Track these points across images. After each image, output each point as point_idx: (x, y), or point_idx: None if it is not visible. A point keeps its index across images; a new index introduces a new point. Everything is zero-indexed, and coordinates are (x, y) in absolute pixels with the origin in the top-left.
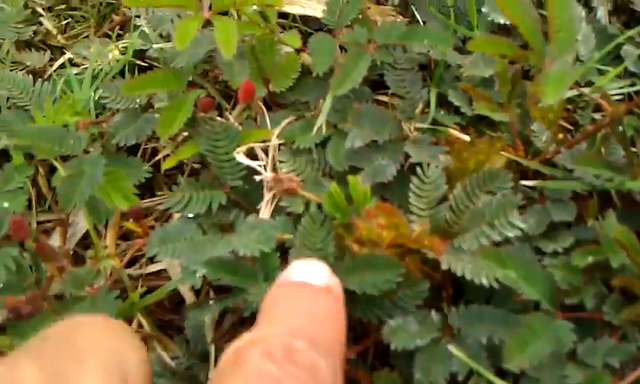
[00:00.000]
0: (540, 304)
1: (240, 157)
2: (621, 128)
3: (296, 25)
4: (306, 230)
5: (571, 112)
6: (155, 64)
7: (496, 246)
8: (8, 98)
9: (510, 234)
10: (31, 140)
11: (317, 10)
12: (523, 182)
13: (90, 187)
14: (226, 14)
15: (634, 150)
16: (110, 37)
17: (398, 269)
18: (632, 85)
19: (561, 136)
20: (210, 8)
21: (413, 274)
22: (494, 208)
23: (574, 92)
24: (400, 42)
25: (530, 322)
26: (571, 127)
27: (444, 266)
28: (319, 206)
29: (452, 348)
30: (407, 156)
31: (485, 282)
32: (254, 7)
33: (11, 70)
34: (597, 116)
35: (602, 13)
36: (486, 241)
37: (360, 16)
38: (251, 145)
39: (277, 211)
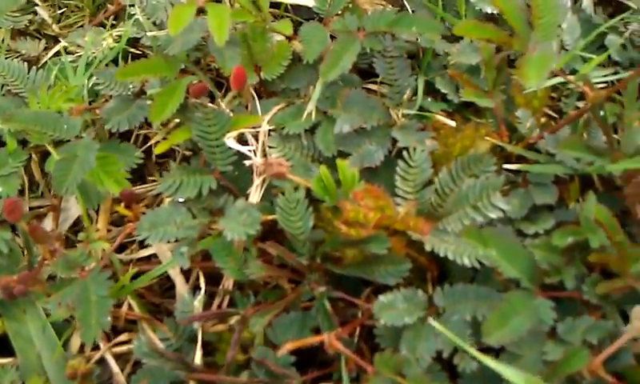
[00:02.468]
0: (520, 282)
1: (230, 142)
2: (602, 113)
3: (287, 14)
4: (283, 210)
5: (555, 100)
6: (148, 52)
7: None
8: (2, 85)
9: (493, 215)
10: (25, 124)
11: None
12: (506, 166)
13: (83, 171)
14: (219, 1)
15: (614, 136)
16: (104, 26)
17: (385, 242)
18: (615, 73)
19: (544, 121)
20: None
21: (396, 252)
22: (478, 190)
23: (559, 79)
24: (389, 29)
25: (510, 298)
26: (556, 115)
27: (428, 248)
28: (308, 191)
29: (436, 324)
30: (394, 142)
31: (467, 261)
32: None
33: (6, 58)
34: (581, 104)
35: (587, 3)
36: (470, 223)
37: (350, 5)
38: (242, 131)
39: (266, 197)
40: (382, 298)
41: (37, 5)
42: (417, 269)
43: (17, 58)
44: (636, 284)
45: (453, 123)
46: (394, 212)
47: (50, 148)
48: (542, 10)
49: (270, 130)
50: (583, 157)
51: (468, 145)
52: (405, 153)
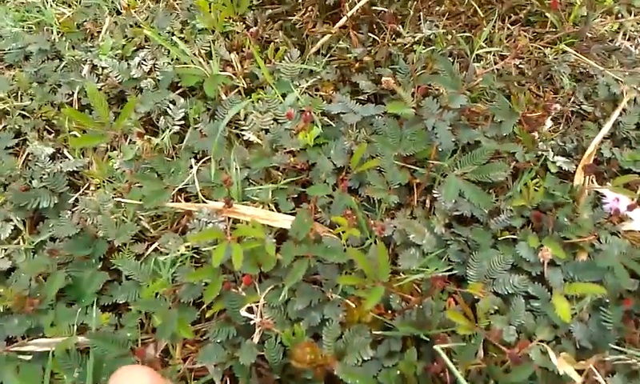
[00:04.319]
0: None
1: (243, 312)
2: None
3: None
4: (266, 348)
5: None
6: (205, 256)
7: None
8: (127, 276)
9: (367, 357)
10: (142, 307)
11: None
12: (375, 332)
13: (172, 327)
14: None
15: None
16: (183, 231)
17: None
18: (451, 269)
19: (414, 299)
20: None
21: (317, 376)
22: (358, 344)
23: (420, 275)
24: (323, 255)
25: None
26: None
27: (336, 373)
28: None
29: None
30: None
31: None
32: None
33: (127, 258)
34: None
35: (438, 228)
36: (355, 360)
37: (310, 232)
38: (249, 305)
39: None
40: None
41: (141, 219)
42: None
43: (132, 256)
44: None
45: (352, 304)
46: (319, 354)
47: (154, 315)
48: (379, 269)
49: (264, 304)
50: (410, 330)
51: (363, 313)
52: (325, 326)
